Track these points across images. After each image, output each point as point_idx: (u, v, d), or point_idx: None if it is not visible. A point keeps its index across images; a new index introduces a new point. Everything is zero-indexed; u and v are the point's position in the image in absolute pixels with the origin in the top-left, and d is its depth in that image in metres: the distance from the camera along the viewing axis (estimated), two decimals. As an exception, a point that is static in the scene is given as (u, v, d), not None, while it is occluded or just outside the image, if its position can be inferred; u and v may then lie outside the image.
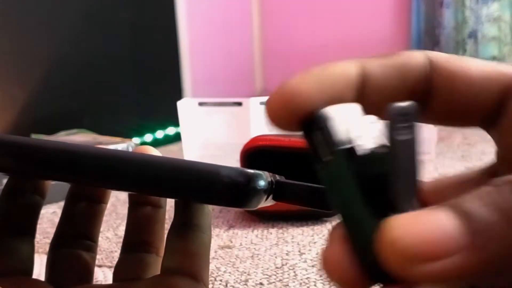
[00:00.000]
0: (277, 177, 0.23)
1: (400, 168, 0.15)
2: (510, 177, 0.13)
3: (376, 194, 0.15)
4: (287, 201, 0.22)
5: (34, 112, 1.16)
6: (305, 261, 0.53)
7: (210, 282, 0.49)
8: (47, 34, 1.20)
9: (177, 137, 1.09)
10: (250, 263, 0.53)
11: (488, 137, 0.19)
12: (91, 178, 0.22)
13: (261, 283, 0.48)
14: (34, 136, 1.02)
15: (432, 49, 1.87)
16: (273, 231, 0.63)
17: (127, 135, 1.01)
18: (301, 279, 0.49)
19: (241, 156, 0.65)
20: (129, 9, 1.42)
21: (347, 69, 0.17)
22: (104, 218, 0.32)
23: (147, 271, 0.29)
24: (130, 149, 0.87)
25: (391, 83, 0.17)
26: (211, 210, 0.29)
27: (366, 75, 0.17)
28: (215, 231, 0.63)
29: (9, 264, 0.27)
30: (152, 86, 1.48)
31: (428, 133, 0.72)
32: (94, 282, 0.30)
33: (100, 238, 0.32)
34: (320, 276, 0.50)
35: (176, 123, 0.91)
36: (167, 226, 0.29)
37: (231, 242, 0.59)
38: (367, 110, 0.17)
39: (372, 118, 0.16)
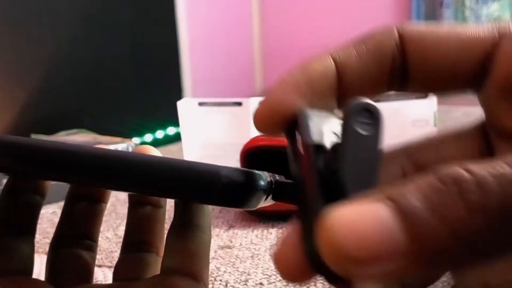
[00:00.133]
0: (277, 177, 0.23)
1: (350, 160, 0.15)
2: (456, 173, 0.13)
3: (332, 188, 0.15)
4: (287, 201, 0.22)
5: (34, 112, 1.16)
6: (305, 261, 0.53)
7: (210, 282, 0.49)
8: (47, 34, 1.20)
9: (177, 137, 1.09)
10: (250, 263, 0.53)
11: None
12: (90, 179, 0.22)
13: (261, 283, 0.48)
14: (34, 136, 1.02)
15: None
16: (273, 231, 0.63)
17: (127, 135, 1.01)
18: (301, 279, 0.49)
19: (241, 156, 0.65)
20: (129, 9, 1.42)
21: (324, 68, 0.18)
22: (104, 218, 0.32)
23: (147, 271, 0.29)
24: (130, 149, 0.87)
25: (369, 70, 0.18)
26: (211, 210, 0.29)
27: (343, 68, 0.18)
28: (215, 231, 0.63)
29: (9, 264, 0.27)
30: (152, 86, 1.47)
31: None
32: (94, 282, 0.30)
33: (100, 238, 0.32)
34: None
35: (176, 123, 0.91)
36: (167, 226, 0.29)
37: (231, 242, 0.59)
38: (347, 96, 0.18)
39: None
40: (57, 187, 0.33)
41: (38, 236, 0.62)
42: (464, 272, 0.17)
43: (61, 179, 0.23)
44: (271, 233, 0.62)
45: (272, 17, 2.14)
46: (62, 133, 1.04)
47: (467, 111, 1.19)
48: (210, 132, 0.90)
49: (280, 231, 0.62)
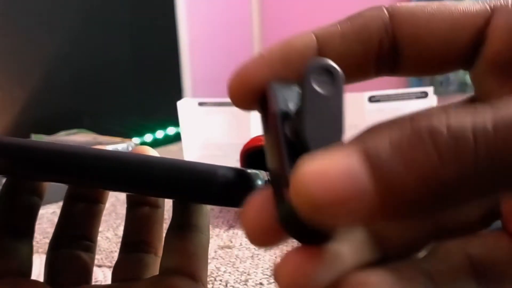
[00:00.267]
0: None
1: (311, 119, 0.14)
2: (430, 122, 0.12)
3: (298, 151, 0.15)
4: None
5: (34, 112, 1.16)
6: (305, 261, 0.53)
7: (210, 282, 0.49)
8: (47, 34, 1.20)
9: (177, 137, 1.09)
10: (250, 263, 0.53)
11: None
12: (88, 179, 0.22)
13: (261, 283, 0.48)
14: (34, 136, 1.02)
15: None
16: (273, 231, 0.62)
17: (127, 135, 1.01)
18: (301, 279, 0.49)
19: (241, 156, 0.65)
20: (129, 9, 1.42)
21: (303, 45, 0.17)
22: (104, 218, 0.32)
23: (145, 271, 0.29)
24: (130, 149, 0.87)
25: (352, 50, 0.17)
26: (209, 210, 0.29)
27: (324, 46, 0.17)
28: (215, 231, 0.63)
29: (8, 266, 0.27)
30: (152, 86, 1.48)
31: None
32: (94, 282, 0.30)
33: (99, 238, 0.32)
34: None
35: (176, 123, 0.91)
36: (166, 226, 0.29)
37: (231, 242, 0.59)
38: None
39: None
40: (56, 187, 0.33)
41: (38, 236, 0.62)
42: (445, 242, 0.17)
43: (59, 180, 0.23)
44: (271, 233, 0.62)
45: (272, 17, 2.14)
46: (62, 133, 1.04)
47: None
48: (210, 132, 0.90)
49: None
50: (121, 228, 0.66)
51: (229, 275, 0.50)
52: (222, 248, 0.58)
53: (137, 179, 0.21)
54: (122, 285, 0.28)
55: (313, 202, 0.12)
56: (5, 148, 0.23)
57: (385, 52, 0.17)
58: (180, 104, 0.89)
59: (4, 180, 0.28)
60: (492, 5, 0.17)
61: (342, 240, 0.15)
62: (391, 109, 0.73)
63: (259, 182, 0.21)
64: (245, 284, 0.48)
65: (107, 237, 0.63)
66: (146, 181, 0.21)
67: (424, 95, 0.74)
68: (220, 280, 0.49)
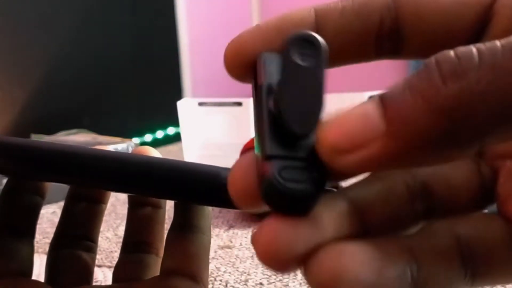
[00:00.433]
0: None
1: (291, 92, 0.14)
2: (441, 53, 0.13)
3: (279, 123, 0.15)
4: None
5: (34, 112, 1.16)
6: (305, 261, 0.53)
7: (210, 282, 0.49)
8: (47, 34, 1.20)
9: (177, 137, 1.09)
10: (250, 263, 0.53)
11: None
12: (90, 180, 0.22)
13: (261, 283, 0.48)
14: (34, 136, 1.02)
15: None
16: (273, 231, 0.62)
17: (127, 135, 1.01)
18: (301, 279, 0.49)
19: (241, 156, 0.65)
20: (129, 9, 1.42)
21: (301, 18, 0.17)
22: (104, 218, 0.32)
23: (146, 272, 0.29)
24: (130, 149, 0.87)
25: (351, 27, 0.17)
26: (211, 211, 0.29)
27: (323, 22, 0.17)
28: (215, 231, 0.63)
29: (8, 265, 0.27)
30: (152, 86, 1.47)
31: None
32: (94, 282, 0.30)
33: (100, 238, 0.32)
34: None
35: (176, 123, 0.91)
36: (167, 226, 0.29)
37: (231, 242, 0.59)
38: (330, 58, 0.17)
39: None
40: (57, 187, 0.33)
41: (38, 236, 0.61)
42: (434, 222, 0.16)
43: (61, 181, 0.23)
44: (271, 233, 0.62)
45: (272, 17, 2.14)
46: (62, 133, 1.04)
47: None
48: (210, 132, 0.90)
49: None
50: (121, 228, 0.66)
51: (229, 275, 0.50)
52: (222, 248, 0.58)
53: (140, 180, 0.21)
54: (123, 286, 0.28)
55: (333, 146, 0.13)
56: (6, 148, 0.23)
57: (386, 31, 0.17)
58: (180, 104, 0.89)
59: (5, 180, 0.28)
60: None
61: (322, 211, 0.15)
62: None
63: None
64: (245, 284, 0.48)
65: (107, 237, 0.63)
66: (150, 182, 0.21)
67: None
68: (220, 280, 0.49)
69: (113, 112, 1.35)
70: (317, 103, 0.14)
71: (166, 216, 0.31)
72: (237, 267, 0.52)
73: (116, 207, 0.75)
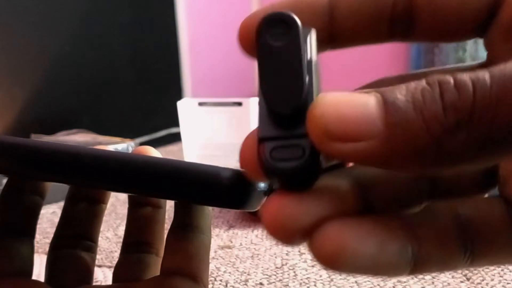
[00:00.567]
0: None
1: (269, 74, 0.15)
2: (442, 76, 0.13)
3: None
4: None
5: (34, 112, 1.16)
6: (305, 261, 0.53)
7: (210, 282, 0.49)
8: (47, 34, 1.20)
9: (177, 137, 1.09)
10: (250, 263, 0.53)
11: None
12: (91, 180, 0.22)
13: (261, 283, 0.48)
14: (34, 136, 1.02)
15: (432, 50, 1.85)
16: (273, 231, 0.62)
17: (127, 135, 1.01)
18: (301, 279, 0.49)
19: (241, 156, 0.65)
20: (129, 9, 1.42)
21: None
22: (104, 218, 0.32)
23: (147, 272, 0.29)
24: (130, 149, 0.87)
25: (366, 7, 0.17)
26: (211, 211, 0.29)
27: (336, 3, 0.17)
28: (215, 231, 0.63)
29: (9, 265, 0.27)
30: (152, 86, 1.47)
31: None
32: (94, 282, 0.30)
33: (100, 238, 0.32)
34: (320, 276, 0.50)
35: (176, 123, 0.91)
36: (167, 226, 0.29)
37: (231, 242, 0.59)
38: (343, 39, 0.17)
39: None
40: (57, 187, 0.33)
41: (38, 236, 0.61)
42: (437, 202, 0.17)
43: (61, 181, 0.23)
44: (271, 233, 0.62)
45: None
46: (62, 133, 1.04)
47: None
48: (210, 132, 0.90)
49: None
50: (121, 228, 0.66)
51: (229, 275, 0.50)
52: (222, 248, 0.58)
53: (140, 180, 0.21)
54: (123, 286, 0.28)
55: (326, 130, 0.13)
56: (6, 148, 0.23)
57: (399, 12, 0.17)
58: (180, 104, 0.89)
59: (5, 180, 0.28)
60: None
61: (327, 187, 0.15)
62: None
63: (262, 184, 0.21)
64: (245, 284, 0.48)
65: (107, 237, 0.63)
66: (150, 182, 0.21)
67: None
68: (220, 280, 0.49)
69: (113, 112, 1.35)
70: (297, 82, 0.15)
71: (166, 216, 0.31)
72: (237, 267, 0.52)
73: (116, 207, 0.75)
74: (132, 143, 0.89)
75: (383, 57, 1.87)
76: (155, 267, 0.29)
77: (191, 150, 0.91)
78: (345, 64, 1.87)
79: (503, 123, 0.13)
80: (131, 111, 1.41)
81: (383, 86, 0.15)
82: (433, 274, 0.48)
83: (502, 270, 0.49)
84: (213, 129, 0.90)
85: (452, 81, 0.13)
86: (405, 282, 0.47)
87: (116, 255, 0.57)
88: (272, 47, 0.15)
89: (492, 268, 0.49)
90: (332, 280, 0.49)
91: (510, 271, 0.49)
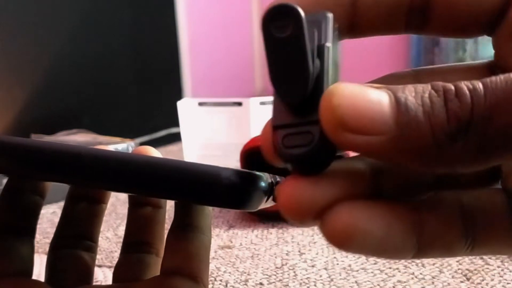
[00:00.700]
0: (278, 178, 0.23)
1: (276, 64, 0.15)
2: (447, 84, 0.14)
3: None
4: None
5: (34, 112, 1.16)
6: (305, 261, 0.53)
7: (210, 282, 0.49)
8: (47, 34, 1.20)
9: (177, 137, 1.09)
10: (250, 263, 0.53)
11: None
12: (91, 180, 0.22)
13: (261, 283, 0.48)
14: (34, 136, 1.02)
15: (432, 49, 1.85)
16: (273, 231, 0.63)
17: (127, 135, 1.01)
18: (301, 279, 0.49)
19: (241, 156, 0.65)
20: (129, 9, 1.42)
21: None
22: (104, 218, 0.32)
23: (147, 272, 0.29)
24: (130, 149, 0.87)
25: (387, 1, 0.18)
26: (211, 211, 0.29)
27: None
28: (215, 231, 0.63)
29: (9, 265, 0.27)
30: (152, 86, 1.47)
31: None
32: (94, 282, 0.30)
33: (100, 238, 0.32)
34: (320, 276, 0.50)
35: (176, 123, 0.91)
36: (167, 226, 0.29)
37: (231, 242, 0.59)
38: (363, 28, 0.18)
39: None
40: (57, 187, 0.33)
41: (38, 236, 0.61)
42: (442, 192, 0.18)
43: (61, 181, 0.23)
44: (271, 233, 0.62)
45: None
46: (62, 133, 1.04)
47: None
48: (210, 132, 0.90)
49: (280, 231, 0.62)
50: (121, 228, 0.66)
51: (229, 275, 0.50)
52: (222, 248, 0.58)
53: (140, 180, 0.21)
54: (123, 286, 0.28)
55: (342, 120, 0.14)
56: (6, 148, 0.23)
57: (417, 6, 0.18)
58: (180, 104, 0.89)
59: (5, 180, 0.28)
60: None
61: (340, 172, 0.16)
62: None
63: (263, 184, 0.21)
64: (245, 284, 0.48)
65: (107, 237, 0.63)
66: (150, 182, 0.21)
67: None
68: (220, 280, 0.49)
69: (113, 112, 1.35)
70: (302, 70, 0.15)
71: (166, 216, 0.31)
72: (237, 267, 0.52)
73: (116, 207, 0.75)
74: (132, 143, 0.89)
75: (383, 56, 1.87)
76: (155, 267, 0.29)
77: (191, 150, 0.91)
78: (345, 63, 1.87)
79: (497, 132, 0.13)
80: (131, 111, 1.41)
81: (393, 82, 0.15)
82: (433, 274, 0.48)
83: (502, 270, 0.49)
84: (213, 129, 0.90)
85: (453, 89, 0.14)
86: (405, 282, 0.47)
87: (116, 255, 0.57)
88: (276, 38, 0.15)
89: (492, 268, 0.49)
90: (332, 280, 0.49)
91: (510, 271, 0.49)
